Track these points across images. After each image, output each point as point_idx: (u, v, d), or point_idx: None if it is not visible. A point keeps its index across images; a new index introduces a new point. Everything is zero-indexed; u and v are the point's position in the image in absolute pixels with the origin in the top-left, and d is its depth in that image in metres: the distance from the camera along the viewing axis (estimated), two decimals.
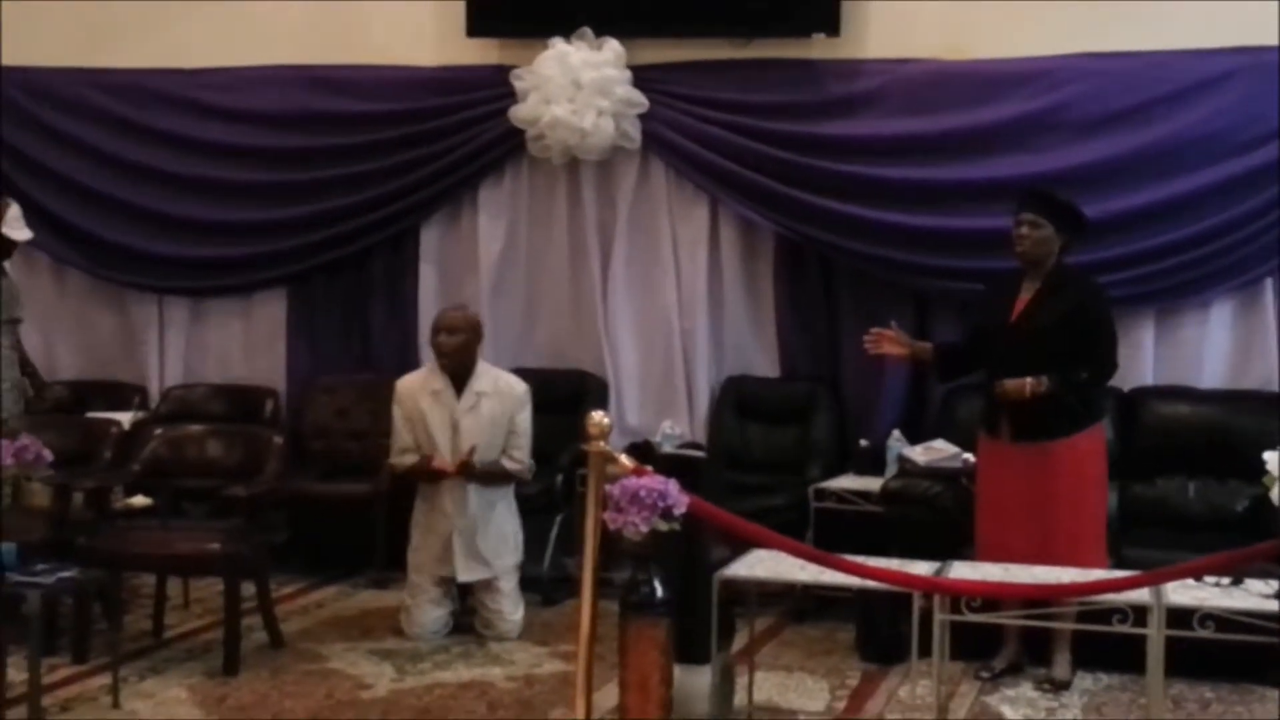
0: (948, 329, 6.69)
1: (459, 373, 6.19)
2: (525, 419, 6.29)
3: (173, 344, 8.14)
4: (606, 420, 4.47)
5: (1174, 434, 6.47)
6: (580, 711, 4.51)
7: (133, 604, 6.34)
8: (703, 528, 4.49)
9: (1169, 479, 6.42)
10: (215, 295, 8.07)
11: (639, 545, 4.25)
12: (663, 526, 4.22)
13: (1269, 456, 3.95)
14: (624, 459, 4.43)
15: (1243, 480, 6.26)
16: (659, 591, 4.29)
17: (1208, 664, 5.27)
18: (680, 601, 4.38)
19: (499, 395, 6.22)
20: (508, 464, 6.24)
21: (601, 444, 4.42)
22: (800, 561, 4.57)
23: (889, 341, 5.74)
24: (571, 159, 7.32)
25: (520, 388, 6.30)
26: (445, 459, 6.13)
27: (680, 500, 4.21)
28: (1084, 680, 5.64)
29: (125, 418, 7.43)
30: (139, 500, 6.58)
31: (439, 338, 6.20)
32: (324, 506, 7.20)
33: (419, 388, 6.25)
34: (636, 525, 4.18)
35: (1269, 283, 6.61)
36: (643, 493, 4.17)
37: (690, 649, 4.47)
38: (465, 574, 6.19)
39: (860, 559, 4.59)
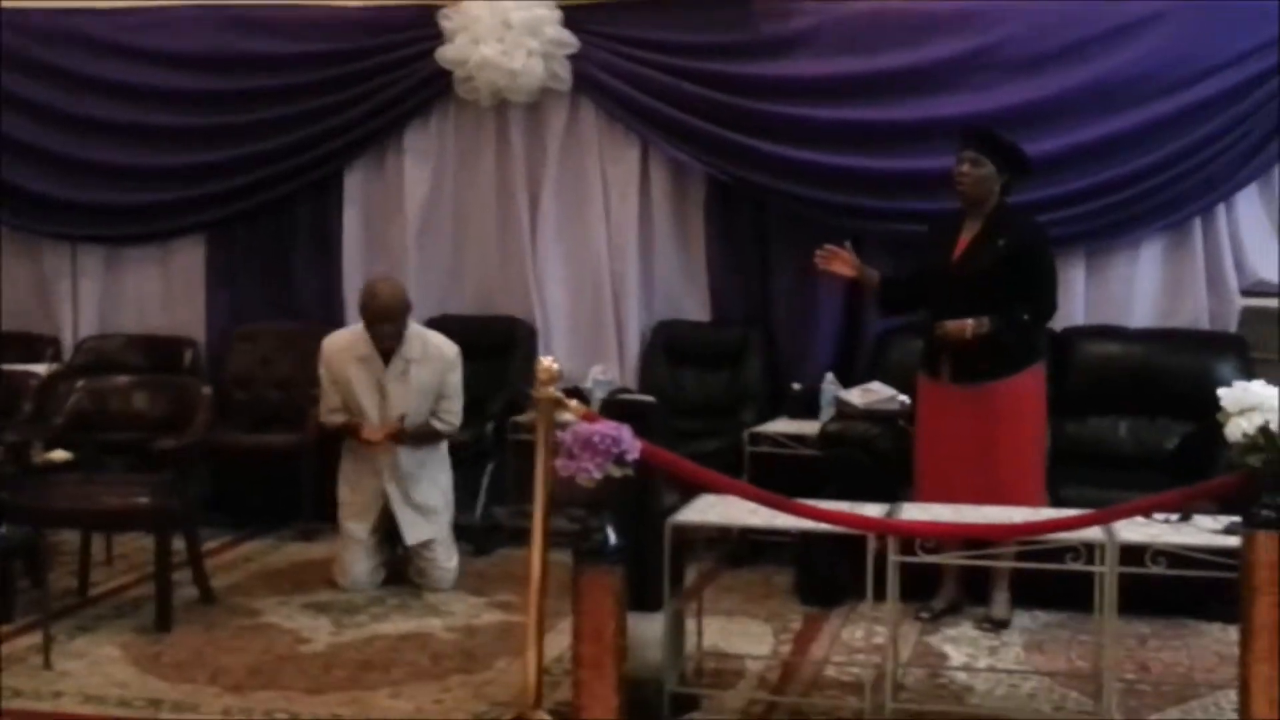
0: (882, 270, 6.63)
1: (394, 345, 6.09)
2: (456, 381, 6.19)
3: (87, 293, 7.96)
4: (556, 366, 4.39)
5: (1105, 373, 6.51)
6: (532, 661, 4.45)
7: (53, 562, 6.17)
8: (653, 473, 4.42)
9: (1100, 418, 6.47)
10: (131, 243, 7.89)
11: (591, 492, 4.17)
12: (616, 473, 4.14)
13: (1223, 393, 3.94)
14: (574, 405, 4.36)
15: (1172, 418, 6.36)
16: (612, 539, 4.22)
17: (1144, 600, 5.30)
18: (630, 548, 4.31)
19: (428, 360, 6.11)
20: (437, 425, 6.16)
21: (551, 389, 4.34)
22: (752, 506, 4.52)
23: (839, 261, 5.68)
24: (500, 101, 7.22)
25: (451, 351, 6.18)
26: (374, 425, 6.04)
27: (634, 446, 4.13)
28: (1022, 619, 5.68)
29: (39, 370, 7.22)
30: (59, 454, 6.36)
31: (379, 327, 6.02)
32: (248, 458, 7.08)
33: (346, 351, 6.12)
34: (590, 471, 4.10)
35: (1197, 222, 6.67)
36: (596, 438, 4.09)
37: (642, 596, 4.40)
38: (412, 536, 6.12)
39: (810, 502, 4.55)
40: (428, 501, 6.16)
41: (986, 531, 4.60)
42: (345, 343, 6.16)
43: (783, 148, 6.91)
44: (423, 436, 6.13)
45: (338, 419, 6.15)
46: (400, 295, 6.10)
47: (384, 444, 6.03)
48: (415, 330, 6.16)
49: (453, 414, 6.18)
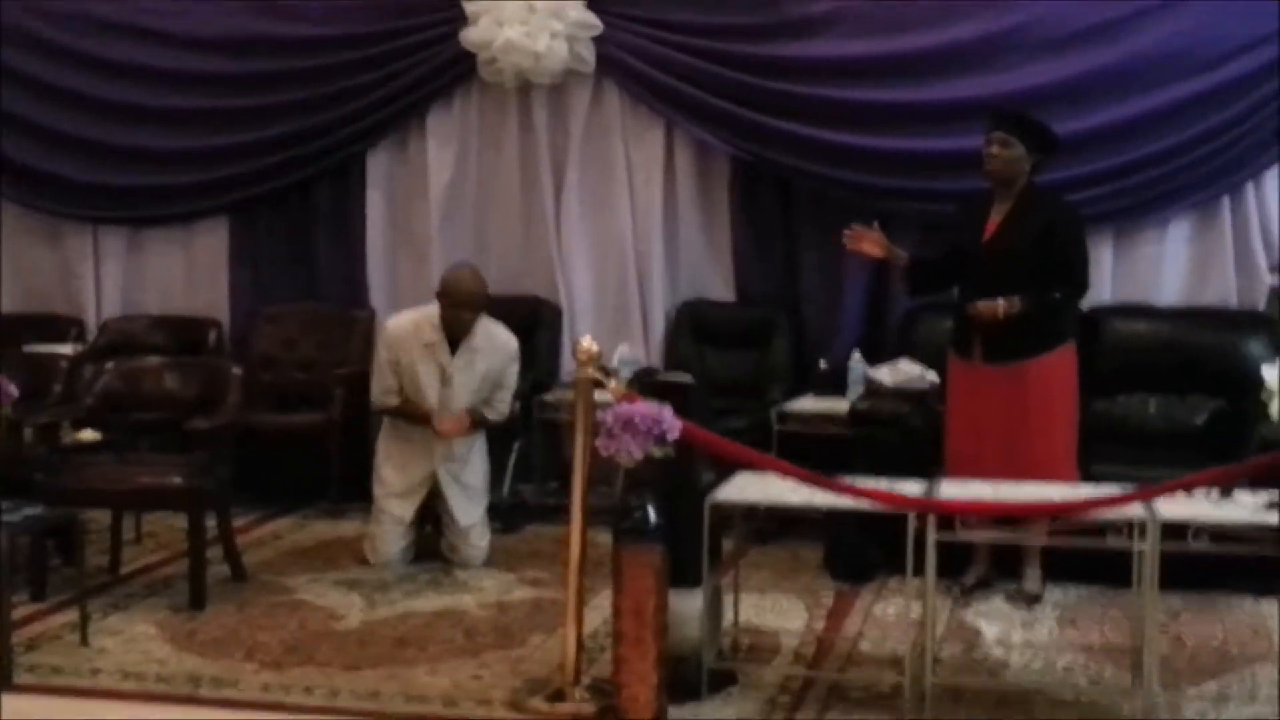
0: (907, 250, 6.64)
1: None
2: (514, 373, 6.27)
3: (110, 275, 7.97)
4: (595, 347, 4.41)
5: (1134, 351, 6.52)
6: (571, 637, 4.48)
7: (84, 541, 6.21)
8: (692, 452, 4.44)
9: (1130, 396, 6.46)
10: (154, 225, 7.89)
11: (632, 471, 4.20)
12: (657, 452, 4.18)
13: (1267, 371, 3.95)
14: (614, 385, 4.37)
15: (1202, 395, 6.37)
16: (652, 517, 4.25)
17: (1176, 575, 5.30)
18: (669, 526, 4.33)
19: (493, 351, 6.17)
20: (488, 413, 6.21)
21: (590, 369, 4.35)
22: (790, 483, 4.53)
23: (868, 241, 5.67)
24: (524, 83, 7.21)
25: (514, 344, 6.26)
26: (437, 412, 6.07)
27: (674, 425, 4.16)
28: (1053, 593, 5.70)
29: (65, 351, 7.24)
30: (88, 434, 6.41)
31: (459, 313, 6.04)
32: (275, 438, 7.10)
33: (412, 336, 6.12)
34: (631, 451, 4.13)
35: (1225, 200, 6.65)
36: (637, 419, 4.12)
37: (681, 573, 4.42)
38: (465, 518, 6.18)
39: (848, 480, 4.56)
40: (475, 483, 6.23)
41: (1030, 509, 4.61)
42: (410, 327, 6.15)
43: (807, 128, 6.90)
44: (478, 423, 6.20)
45: (393, 400, 6.17)
46: (484, 283, 6.15)
47: (457, 432, 6.08)
48: (481, 320, 6.18)
49: (505, 403, 6.26)
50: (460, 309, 6.04)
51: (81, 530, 5.36)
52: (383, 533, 6.17)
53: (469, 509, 6.18)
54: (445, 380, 6.09)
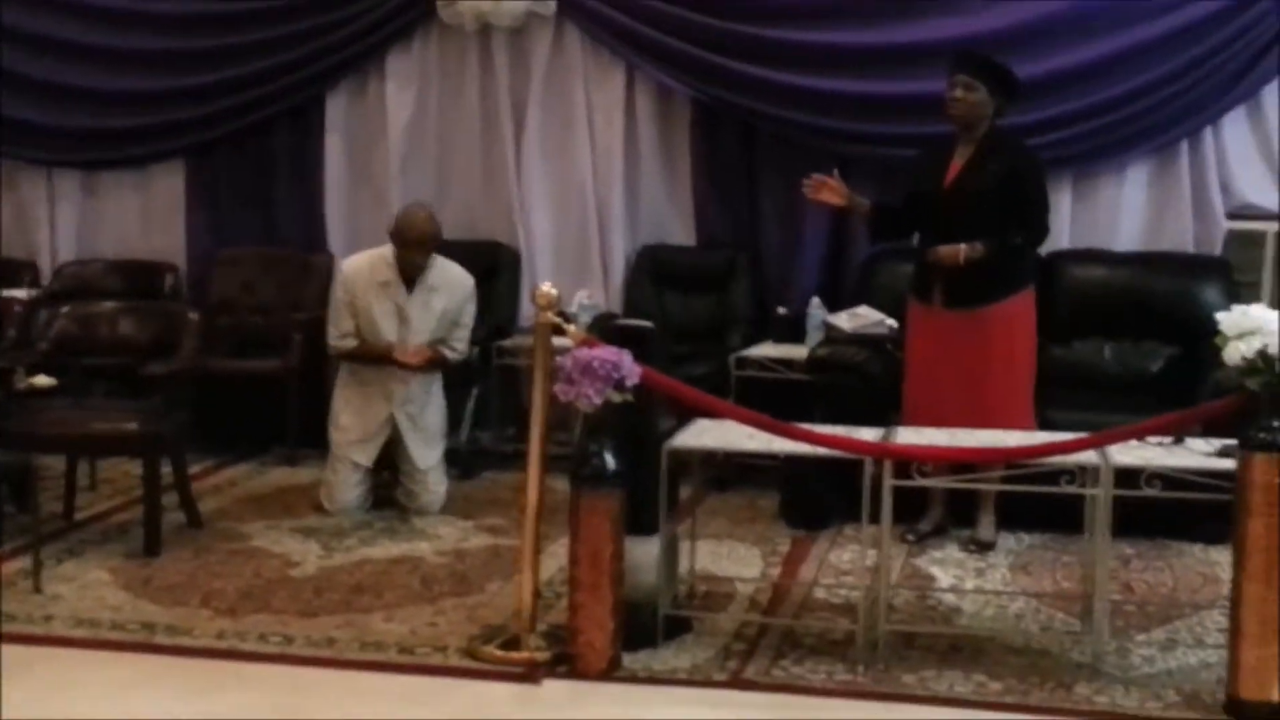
0: (869, 195, 6.56)
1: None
2: (471, 311, 6.26)
3: (64, 219, 7.90)
4: (554, 292, 4.38)
5: (1090, 297, 6.52)
6: (527, 584, 4.47)
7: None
8: (651, 398, 4.42)
9: (1085, 341, 6.48)
10: (109, 168, 7.81)
11: (590, 417, 4.19)
12: (616, 398, 4.17)
13: (1222, 317, 3.96)
14: (573, 330, 4.35)
15: (1158, 341, 6.40)
16: (610, 464, 4.24)
17: (1128, 522, 5.34)
18: (627, 472, 4.32)
19: (448, 288, 6.15)
20: (447, 352, 6.19)
21: (550, 314, 4.33)
22: (748, 430, 4.52)
23: (828, 190, 5.64)
24: (484, 25, 7.15)
25: (470, 281, 6.24)
26: (403, 349, 6.06)
27: (633, 371, 4.15)
28: (1006, 540, 5.74)
29: (19, 295, 7.15)
30: (42, 380, 6.32)
31: (412, 254, 6.03)
32: (232, 384, 7.06)
33: (368, 276, 6.10)
34: (590, 397, 4.12)
35: (1184, 145, 6.65)
36: (596, 364, 4.10)
37: (638, 520, 4.42)
38: (424, 461, 6.17)
39: (806, 427, 4.56)
40: (433, 426, 6.23)
41: (985, 455, 4.63)
42: (367, 267, 6.13)
43: (769, 71, 6.85)
44: (438, 361, 6.18)
45: (350, 343, 6.15)
46: (437, 224, 6.14)
47: (419, 365, 6.06)
48: (436, 259, 6.15)
49: (463, 341, 6.24)
50: (412, 249, 6.02)
51: (35, 476, 5.32)
52: (339, 480, 6.15)
53: (427, 453, 6.17)
54: (403, 319, 6.07)
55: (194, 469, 6.29)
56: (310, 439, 6.73)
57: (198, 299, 7.48)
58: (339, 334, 6.17)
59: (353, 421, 6.18)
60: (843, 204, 5.72)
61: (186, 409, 5.98)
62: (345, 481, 6.14)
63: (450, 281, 6.16)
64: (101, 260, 7.77)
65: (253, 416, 7.18)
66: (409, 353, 6.05)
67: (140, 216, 7.83)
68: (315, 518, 6.07)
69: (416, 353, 6.06)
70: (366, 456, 6.15)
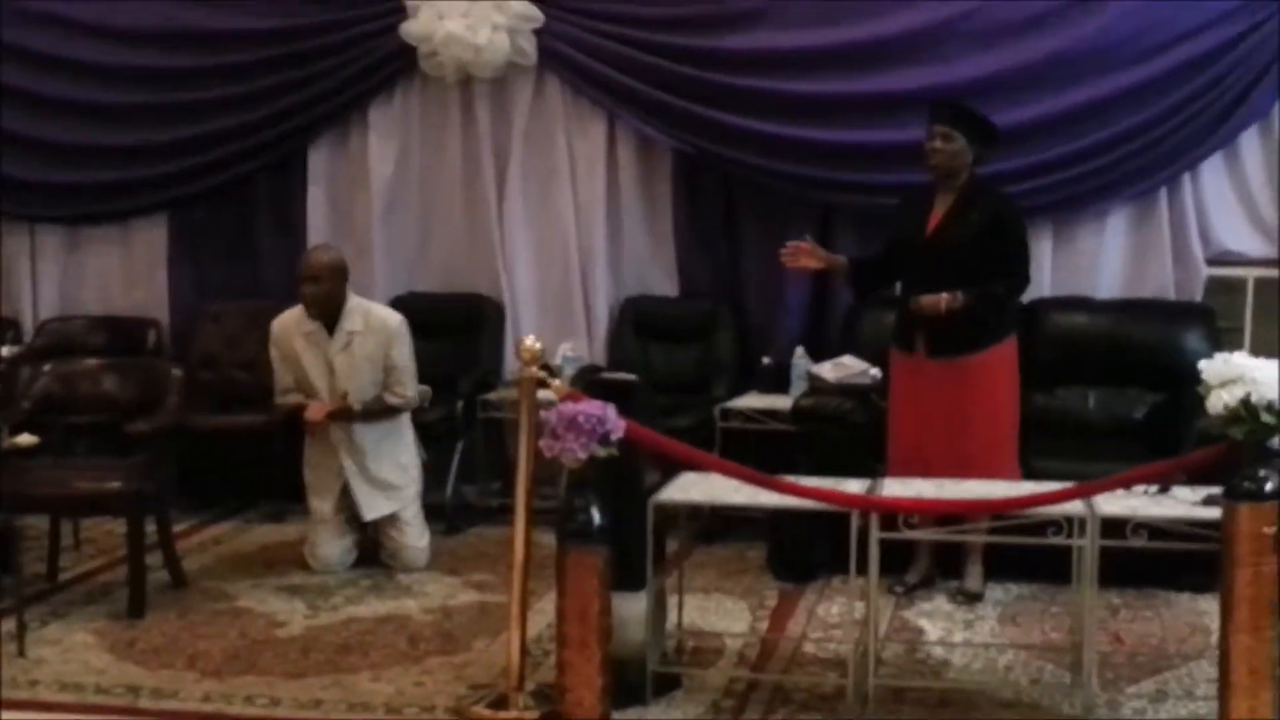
0: (850, 244, 6.67)
1: (329, 315, 6.03)
2: (402, 353, 6.11)
3: (47, 275, 7.89)
4: (539, 345, 4.38)
5: (1073, 344, 6.53)
6: (515, 641, 4.45)
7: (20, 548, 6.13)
8: (636, 452, 4.41)
9: (1069, 389, 6.49)
10: (91, 223, 7.80)
11: (576, 472, 4.17)
12: (601, 453, 4.14)
13: (1204, 365, 3.96)
14: (557, 385, 4.34)
15: (1142, 388, 6.41)
16: (596, 519, 4.22)
17: (1115, 571, 5.33)
18: (613, 527, 4.30)
19: (371, 332, 6.06)
20: (390, 399, 6.10)
21: (534, 369, 4.32)
22: (734, 483, 4.51)
23: (805, 255, 5.65)
24: (465, 76, 7.17)
25: (394, 321, 6.12)
26: (324, 402, 6.01)
27: (618, 425, 4.13)
28: (994, 591, 5.72)
29: (1, 352, 7.13)
30: (25, 439, 6.28)
31: (303, 287, 6.00)
32: (216, 439, 7.03)
33: (293, 329, 6.09)
34: (575, 452, 4.10)
35: (1163, 193, 6.68)
36: (580, 418, 4.08)
37: (625, 575, 4.40)
38: (370, 512, 6.10)
39: (791, 479, 4.55)
40: (387, 478, 6.12)
41: (970, 506, 4.62)
42: (292, 320, 6.12)
43: (750, 121, 6.88)
44: (375, 412, 6.08)
45: (291, 399, 6.11)
46: (330, 256, 6.08)
47: (325, 423, 5.98)
48: (356, 303, 6.11)
49: (404, 386, 6.11)
50: (307, 282, 5.97)
51: (18, 537, 5.31)
52: (317, 536, 6.13)
53: (375, 503, 6.09)
54: (331, 369, 6.03)
55: (178, 527, 6.27)
56: (295, 495, 6.65)
57: (181, 354, 7.47)
58: (279, 391, 6.16)
59: (312, 474, 6.18)
60: (821, 267, 5.74)
61: (170, 466, 5.96)
62: (322, 537, 6.11)
63: (373, 325, 6.06)
64: (84, 316, 7.75)
65: (237, 473, 7.14)
66: (310, 410, 5.99)
67: (123, 271, 7.83)
68: (301, 575, 6.04)
69: (316, 410, 5.98)
70: (328, 508, 6.10)
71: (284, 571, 6.09)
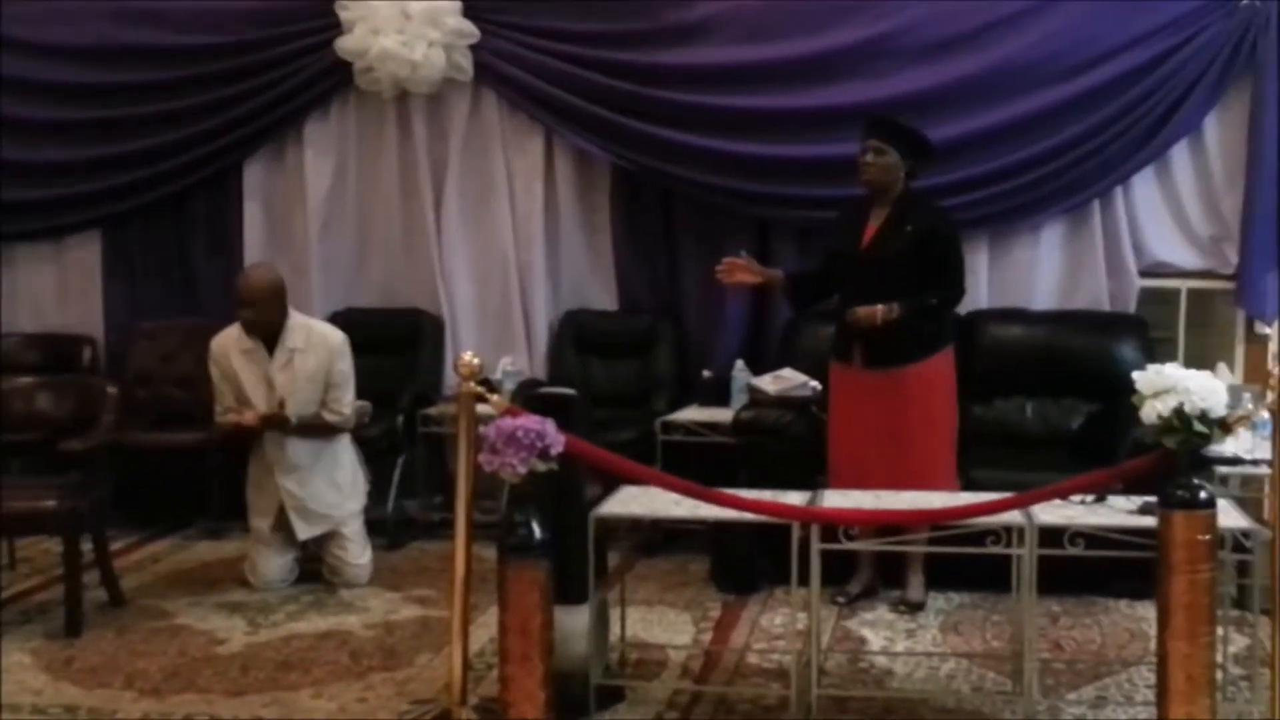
0: (789, 257, 6.73)
1: (269, 336, 6.00)
2: (343, 370, 6.07)
3: None
4: (476, 360, 4.37)
5: (1009, 355, 6.59)
6: (457, 657, 4.43)
7: None
8: (576, 466, 4.42)
9: (1006, 400, 6.56)
10: (24, 240, 7.70)
11: (516, 487, 4.16)
12: (540, 467, 4.13)
13: (1137, 376, 4.01)
14: (496, 399, 4.34)
15: (1078, 398, 6.48)
16: (537, 533, 4.21)
17: (1055, 579, 5.38)
18: (554, 541, 4.30)
19: (313, 349, 6.02)
20: (328, 416, 6.05)
21: (473, 384, 4.31)
22: (674, 496, 4.52)
23: (741, 270, 5.67)
24: (401, 92, 7.16)
25: (335, 338, 6.08)
26: (255, 414, 5.96)
27: (558, 440, 4.13)
28: (936, 600, 5.76)
29: None
30: None
31: (239, 311, 5.96)
32: (153, 457, 6.96)
33: (232, 346, 6.04)
34: (514, 466, 4.09)
35: (1096, 205, 6.76)
36: (520, 433, 4.07)
37: (567, 589, 4.40)
38: (303, 531, 6.07)
39: (732, 491, 4.57)
40: (322, 495, 6.08)
41: (910, 517, 4.65)
42: (232, 338, 6.06)
43: (686, 135, 6.91)
44: (312, 428, 6.04)
45: (231, 418, 6.05)
46: (266, 279, 6.01)
47: (262, 431, 5.95)
48: (298, 320, 6.08)
49: (342, 404, 6.06)
50: (243, 306, 5.94)
51: None
52: (257, 553, 6.08)
53: (309, 523, 6.06)
54: (270, 386, 5.99)
55: (115, 545, 6.22)
56: (234, 512, 6.61)
57: (116, 372, 7.39)
58: (220, 409, 6.10)
59: (253, 493, 6.14)
60: (758, 282, 5.77)
61: (107, 484, 5.90)
62: (263, 554, 6.07)
63: (314, 342, 6.03)
64: (18, 334, 7.67)
65: (174, 490, 7.08)
66: (245, 415, 5.95)
67: (57, 289, 7.75)
68: (241, 593, 5.99)
69: (250, 415, 5.94)
70: (267, 525, 6.06)
71: (224, 589, 6.05)
